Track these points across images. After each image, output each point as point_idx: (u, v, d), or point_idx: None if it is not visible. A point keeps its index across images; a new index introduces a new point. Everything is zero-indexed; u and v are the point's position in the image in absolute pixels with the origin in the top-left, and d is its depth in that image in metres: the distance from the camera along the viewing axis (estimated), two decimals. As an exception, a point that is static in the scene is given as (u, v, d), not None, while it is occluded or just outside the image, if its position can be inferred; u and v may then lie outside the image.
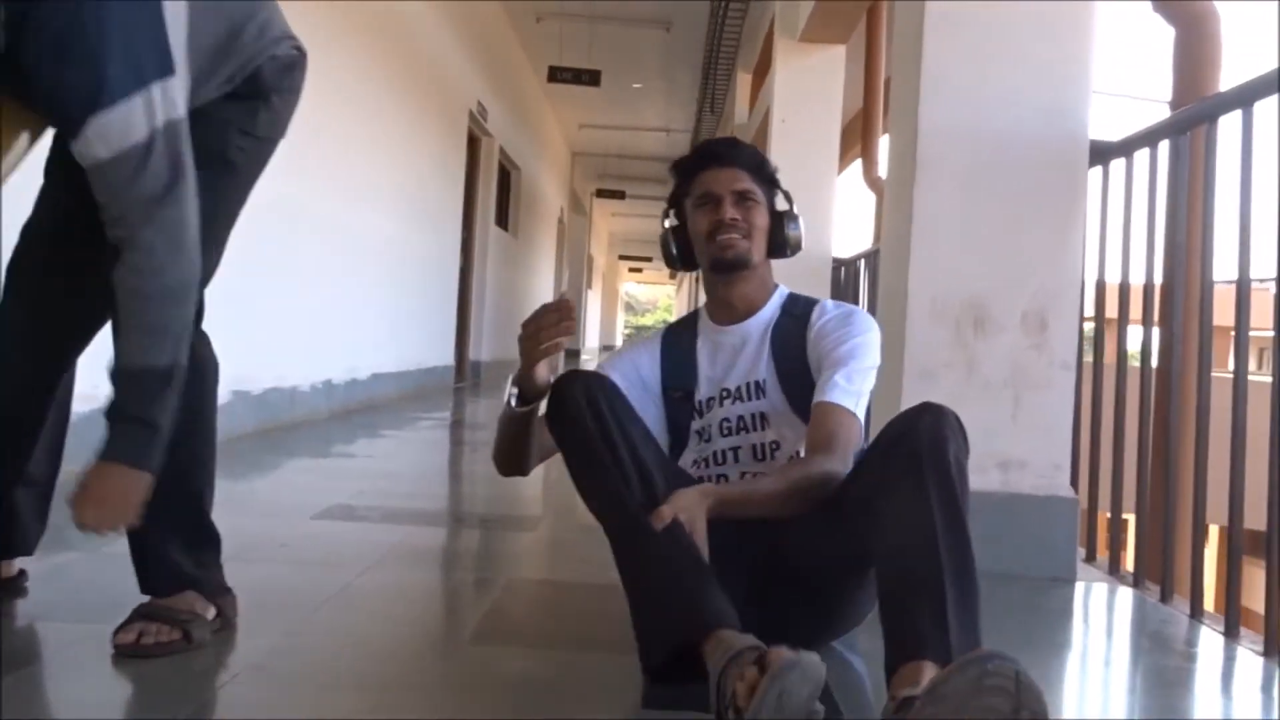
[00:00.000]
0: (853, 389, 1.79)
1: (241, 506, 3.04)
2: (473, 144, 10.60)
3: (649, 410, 1.88)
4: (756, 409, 1.88)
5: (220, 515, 1.88)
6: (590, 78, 10.13)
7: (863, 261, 5.87)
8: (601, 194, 20.16)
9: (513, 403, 1.74)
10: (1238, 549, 2.26)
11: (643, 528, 1.54)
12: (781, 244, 1.92)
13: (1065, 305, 2.79)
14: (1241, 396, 2.23)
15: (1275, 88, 2.08)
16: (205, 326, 1.81)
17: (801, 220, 1.92)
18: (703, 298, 2.02)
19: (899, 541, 1.48)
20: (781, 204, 1.95)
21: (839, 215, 7.06)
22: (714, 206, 1.86)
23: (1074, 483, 2.88)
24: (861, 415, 1.80)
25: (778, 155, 6.62)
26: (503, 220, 12.40)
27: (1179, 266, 2.55)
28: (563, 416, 1.66)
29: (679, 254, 1.96)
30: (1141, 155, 2.73)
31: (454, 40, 9.16)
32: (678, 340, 2.00)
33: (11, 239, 1.80)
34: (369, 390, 7.03)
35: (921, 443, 1.51)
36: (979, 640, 1.39)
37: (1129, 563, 2.80)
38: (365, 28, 6.51)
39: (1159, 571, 2.61)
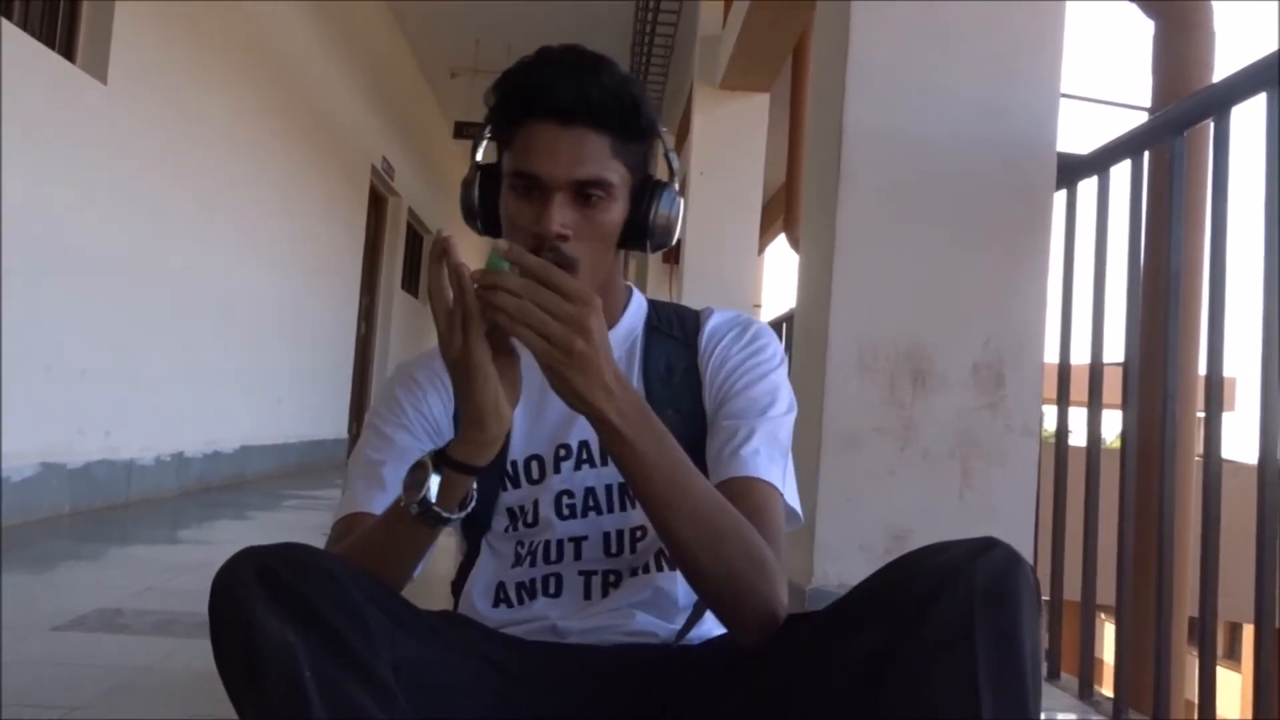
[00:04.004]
0: (779, 456, 1.15)
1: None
2: (378, 203, 9.97)
3: None
4: (615, 478, 1.18)
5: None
6: (501, 134, 9.53)
7: (785, 325, 5.33)
8: (525, 265, 19.60)
9: (430, 495, 1.00)
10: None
11: None
12: (641, 229, 1.17)
13: (1027, 356, 2.19)
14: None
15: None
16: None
17: (680, 200, 1.19)
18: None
19: None
20: (657, 162, 1.23)
21: (766, 280, 6.55)
22: (538, 199, 1.11)
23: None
24: (787, 494, 1.16)
25: (695, 211, 6.09)
26: (412, 285, 11.73)
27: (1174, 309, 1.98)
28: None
29: (482, 207, 1.23)
30: (1120, 171, 2.17)
31: (355, 91, 8.55)
32: None
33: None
34: (237, 465, 6.25)
35: (976, 598, 0.89)
36: None
37: (1106, 682, 2.19)
38: (246, 68, 5.87)
39: (1149, 696, 2.00)
